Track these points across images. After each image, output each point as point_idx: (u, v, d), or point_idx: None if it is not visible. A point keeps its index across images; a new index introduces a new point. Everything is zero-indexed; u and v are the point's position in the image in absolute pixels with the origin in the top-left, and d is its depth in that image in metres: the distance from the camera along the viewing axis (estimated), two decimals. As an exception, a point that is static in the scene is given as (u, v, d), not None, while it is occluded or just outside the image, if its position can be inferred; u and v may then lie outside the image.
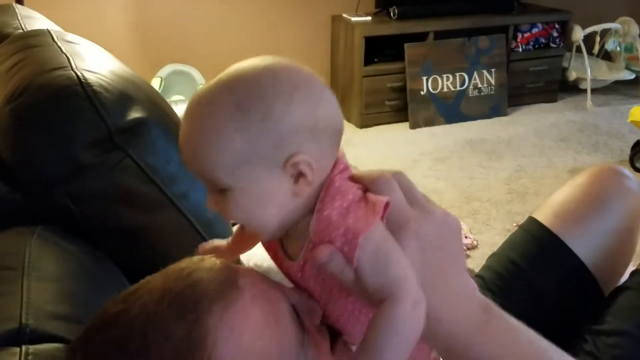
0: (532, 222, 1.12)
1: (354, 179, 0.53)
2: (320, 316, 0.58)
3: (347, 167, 0.55)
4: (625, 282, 1.05)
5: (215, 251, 0.63)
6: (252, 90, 0.50)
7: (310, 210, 0.52)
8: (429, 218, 0.53)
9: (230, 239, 0.66)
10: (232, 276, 0.52)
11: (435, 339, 0.52)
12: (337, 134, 0.54)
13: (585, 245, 1.05)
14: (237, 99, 0.50)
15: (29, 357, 0.56)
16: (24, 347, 0.57)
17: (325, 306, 0.57)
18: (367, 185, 0.52)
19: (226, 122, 0.49)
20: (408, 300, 0.48)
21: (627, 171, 1.11)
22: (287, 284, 0.59)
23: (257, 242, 0.64)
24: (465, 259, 0.56)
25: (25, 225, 0.80)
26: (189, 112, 0.52)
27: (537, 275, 1.07)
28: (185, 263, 0.53)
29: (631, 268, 1.10)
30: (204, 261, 0.54)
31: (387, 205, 0.50)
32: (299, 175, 0.51)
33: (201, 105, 0.51)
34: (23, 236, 0.76)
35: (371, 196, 0.51)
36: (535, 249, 1.09)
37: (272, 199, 0.51)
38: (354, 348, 0.63)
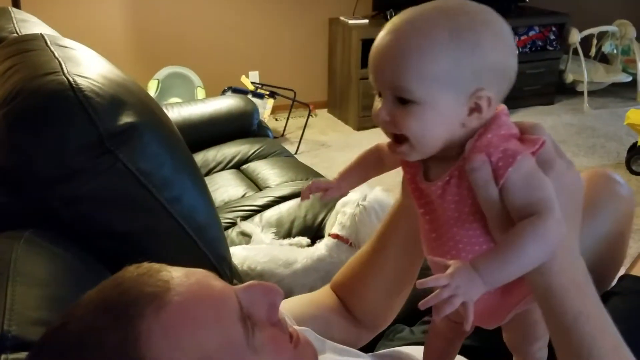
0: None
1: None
2: (277, 310, 0.59)
3: (507, 112, 0.61)
4: (614, 287, 1.05)
5: (324, 188, 0.71)
6: (467, 21, 0.56)
7: (464, 141, 0.58)
8: (571, 169, 0.60)
9: (347, 167, 0.73)
10: (167, 278, 0.52)
11: (545, 272, 0.57)
12: (512, 82, 0.60)
13: None
14: (452, 25, 0.56)
15: None
16: (3, 356, 0.57)
17: (449, 230, 0.62)
18: (524, 128, 0.59)
19: (439, 42, 0.55)
20: (555, 217, 0.54)
21: (618, 176, 1.11)
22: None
23: (374, 174, 0.73)
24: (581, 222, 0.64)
25: (15, 229, 0.80)
26: (399, 25, 0.57)
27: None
28: (121, 272, 0.54)
29: (621, 272, 1.10)
30: (141, 267, 0.54)
31: (543, 143, 0.56)
32: (474, 109, 0.57)
33: (415, 22, 0.57)
34: (11, 241, 0.76)
35: (529, 136, 0.58)
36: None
37: (447, 122, 0.57)
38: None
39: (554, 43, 3.96)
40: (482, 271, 0.55)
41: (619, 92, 4.19)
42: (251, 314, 0.56)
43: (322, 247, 1.50)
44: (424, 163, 0.63)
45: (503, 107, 0.61)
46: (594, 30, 3.89)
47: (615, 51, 4.15)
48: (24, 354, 0.58)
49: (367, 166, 0.73)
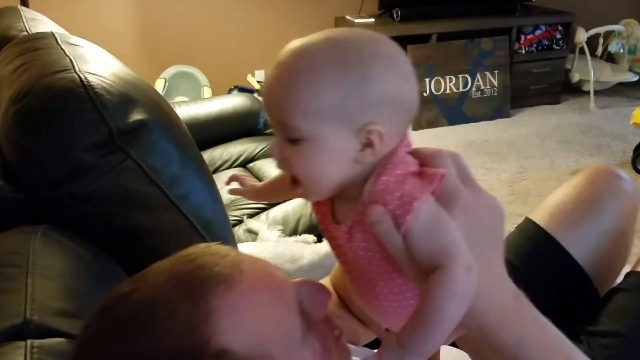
0: (528, 222, 1.13)
1: (413, 153, 0.56)
2: (325, 307, 0.59)
3: (410, 143, 0.57)
4: (620, 283, 1.06)
5: (245, 186, 0.72)
6: (355, 52, 0.53)
7: (364, 179, 0.55)
8: (480, 198, 0.56)
9: (265, 182, 0.72)
10: (237, 261, 0.53)
11: (472, 314, 0.54)
12: (412, 115, 0.57)
13: (580, 246, 1.06)
14: (339, 57, 0.53)
15: (34, 351, 0.58)
16: (28, 342, 0.59)
17: (363, 276, 0.59)
18: (424, 159, 0.55)
19: (324, 75, 0.52)
20: (462, 265, 0.51)
21: (623, 172, 1.11)
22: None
23: (284, 198, 0.71)
24: (504, 245, 0.59)
25: (29, 225, 0.81)
26: (286, 58, 0.55)
27: (533, 275, 1.08)
28: (193, 249, 0.55)
29: (626, 269, 1.11)
30: (210, 247, 0.55)
31: (442, 176, 0.53)
32: (367, 144, 0.54)
33: (301, 54, 0.54)
34: (27, 235, 0.78)
35: (428, 169, 0.54)
36: (530, 250, 1.10)
37: (338, 160, 0.54)
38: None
39: (560, 42, 3.95)
40: (409, 346, 0.51)
41: (626, 91, 4.18)
42: (307, 309, 0.56)
43: None
44: (332, 203, 0.60)
45: (406, 138, 0.57)
46: (601, 30, 3.88)
47: (621, 50, 4.13)
48: (46, 341, 0.60)
49: (279, 190, 0.69)
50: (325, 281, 0.92)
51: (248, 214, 1.75)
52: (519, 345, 0.55)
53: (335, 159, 0.54)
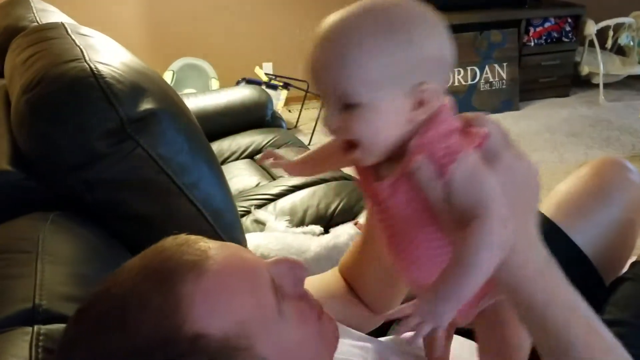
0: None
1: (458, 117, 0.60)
2: (303, 284, 0.61)
3: (451, 104, 0.60)
4: (626, 272, 1.06)
5: (281, 160, 0.76)
6: (396, 17, 0.56)
7: (409, 138, 0.58)
8: (521, 160, 0.59)
9: (304, 155, 0.74)
10: (205, 248, 0.55)
11: (509, 268, 0.57)
12: (451, 70, 0.62)
13: (586, 236, 1.05)
14: (384, 23, 0.55)
15: (40, 337, 0.59)
16: (36, 327, 0.60)
17: (400, 230, 0.62)
18: (469, 121, 0.59)
19: (374, 42, 0.55)
20: (498, 217, 0.54)
21: (629, 163, 1.11)
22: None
23: (329, 169, 0.77)
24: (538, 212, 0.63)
25: (40, 211, 0.83)
26: (332, 30, 0.56)
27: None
28: (161, 242, 0.57)
29: (632, 259, 1.11)
30: (179, 238, 0.57)
31: (486, 135, 0.57)
32: (420, 103, 0.57)
33: (347, 25, 0.56)
34: (37, 222, 0.79)
35: (472, 129, 0.58)
36: (537, 239, 1.10)
37: (394, 120, 0.57)
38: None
39: (569, 35, 3.93)
40: (442, 294, 0.54)
41: (635, 84, 4.15)
42: (280, 286, 0.58)
43: (343, 233, 1.50)
44: (375, 163, 0.63)
45: (447, 100, 0.60)
46: (610, 22, 3.86)
47: (631, 43, 4.10)
48: (54, 326, 0.61)
49: (325, 159, 0.73)
50: (333, 271, 0.93)
51: (256, 205, 1.75)
52: (547, 305, 0.57)
53: (391, 120, 0.57)
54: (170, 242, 0.56)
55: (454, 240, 0.57)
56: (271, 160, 0.77)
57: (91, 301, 0.53)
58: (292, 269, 0.61)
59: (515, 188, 0.57)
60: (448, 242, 0.59)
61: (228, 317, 0.52)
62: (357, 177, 0.66)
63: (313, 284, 0.89)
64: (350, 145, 0.59)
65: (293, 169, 0.76)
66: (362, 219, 1.51)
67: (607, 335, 0.60)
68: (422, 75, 0.56)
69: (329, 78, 0.56)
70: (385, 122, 0.57)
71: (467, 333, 0.87)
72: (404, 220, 0.61)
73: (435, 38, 0.57)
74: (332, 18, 0.57)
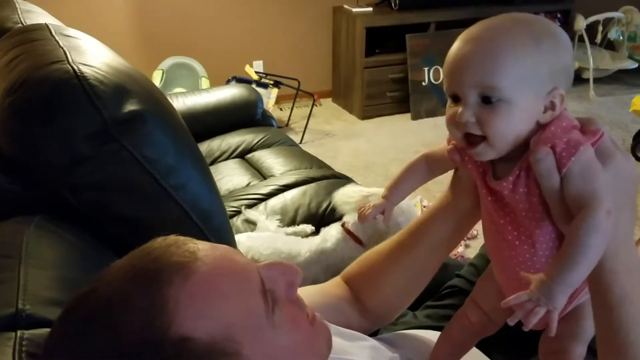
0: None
1: None
2: (295, 288, 0.61)
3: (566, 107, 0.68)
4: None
5: (381, 210, 0.82)
6: (542, 29, 0.64)
7: (527, 140, 0.65)
8: (629, 161, 0.65)
9: (386, 194, 0.82)
10: (194, 250, 0.55)
11: (603, 255, 0.61)
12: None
13: None
14: (531, 32, 0.63)
15: (24, 342, 0.58)
16: (19, 332, 0.59)
17: (522, 228, 0.68)
18: (582, 122, 0.65)
19: (522, 45, 0.62)
20: (604, 208, 0.60)
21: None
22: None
23: (411, 191, 0.83)
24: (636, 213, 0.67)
25: (25, 215, 0.82)
26: (481, 32, 0.64)
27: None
28: (150, 243, 0.56)
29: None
30: (168, 239, 0.56)
31: (602, 134, 0.63)
32: (549, 106, 0.64)
33: (495, 29, 0.64)
34: (21, 225, 0.78)
35: (588, 128, 0.64)
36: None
37: (527, 119, 0.64)
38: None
39: (559, 30, 3.94)
40: (557, 277, 0.60)
41: (626, 78, 4.17)
42: (272, 290, 0.57)
43: (330, 238, 1.49)
44: (492, 163, 0.70)
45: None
46: (600, 17, 3.87)
47: (621, 38, 4.12)
48: (37, 331, 0.60)
49: (416, 176, 0.81)
50: (337, 279, 0.93)
51: (246, 205, 1.75)
52: (622, 300, 0.62)
53: (525, 118, 0.64)
54: (159, 242, 0.56)
55: (566, 230, 0.63)
56: (380, 217, 0.83)
57: (77, 301, 0.52)
58: (285, 273, 0.60)
59: (622, 186, 0.63)
60: (557, 238, 0.66)
61: (215, 320, 0.51)
62: (474, 176, 0.73)
63: (311, 290, 0.89)
64: (471, 141, 0.66)
65: (392, 203, 0.82)
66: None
67: None
68: (556, 82, 0.64)
69: (478, 70, 0.62)
70: (519, 120, 0.63)
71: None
72: (523, 213, 0.67)
73: (568, 51, 0.65)
74: (480, 24, 0.65)
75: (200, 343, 0.49)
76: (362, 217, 0.82)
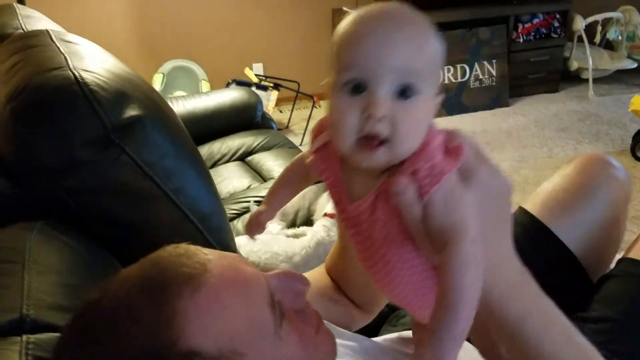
0: (521, 211, 1.14)
1: None
2: (304, 298, 0.60)
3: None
4: (612, 270, 1.06)
5: (260, 216, 0.67)
6: (424, 21, 0.54)
7: None
8: (495, 176, 0.57)
9: (266, 199, 0.69)
10: (203, 261, 0.54)
11: (491, 290, 0.56)
12: None
13: (572, 233, 1.06)
14: (420, 18, 0.54)
15: (30, 346, 0.59)
16: (24, 337, 0.60)
17: (379, 249, 0.59)
18: (445, 136, 0.56)
19: (430, 33, 0.53)
20: (468, 239, 0.52)
21: (614, 160, 1.12)
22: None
23: (298, 191, 0.70)
24: (511, 224, 0.60)
25: (26, 221, 0.83)
26: (392, 11, 0.53)
27: (525, 263, 1.08)
28: (160, 251, 0.56)
29: (619, 256, 1.12)
30: (178, 248, 0.56)
31: (464, 152, 0.54)
32: (439, 101, 0.56)
33: (404, 11, 0.53)
34: (24, 231, 0.79)
35: (451, 145, 0.55)
36: (523, 237, 1.10)
37: (430, 117, 0.55)
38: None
39: (558, 30, 3.95)
40: (443, 332, 0.50)
41: (625, 78, 4.18)
42: (280, 301, 0.57)
43: (319, 229, 1.52)
44: (347, 182, 0.60)
45: None
46: (599, 17, 3.88)
47: (620, 38, 4.13)
48: (42, 335, 0.61)
49: (293, 181, 0.69)
50: (320, 268, 0.93)
51: (247, 208, 1.76)
52: (522, 320, 0.57)
53: (429, 117, 0.54)
54: (169, 252, 0.55)
55: (431, 262, 0.56)
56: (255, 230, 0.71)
57: (84, 309, 0.52)
58: (294, 283, 0.60)
59: (489, 203, 0.56)
60: (424, 264, 0.57)
61: (223, 334, 0.51)
62: (331, 195, 0.62)
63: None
64: (378, 142, 0.52)
65: (273, 209, 0.69)
66: (328, 208, 1.54)
67: (584, 343, 0.60)
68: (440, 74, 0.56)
69: (402, 51, 0.51)
70: (425, 118, 0.54)
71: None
72: (381, 240, 0.58)
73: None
74: (379, 6, 0.53)
75: (208, 357, 0.49)
76: (248, 231, 0.69)
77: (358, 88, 0.52)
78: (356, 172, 0.57)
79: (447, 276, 0.51)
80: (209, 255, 0.56)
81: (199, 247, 0.57)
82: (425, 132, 0.54)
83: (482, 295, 0.54)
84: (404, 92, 0.51)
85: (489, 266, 0.54)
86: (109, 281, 0.54)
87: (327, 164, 0.61)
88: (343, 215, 0.61)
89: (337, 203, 0.61)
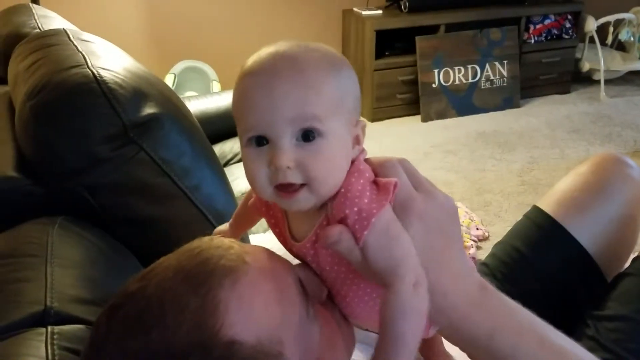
0: (536, 210, 1.14)
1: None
2: (325, 290, 0.62)
3: (364, 148, 0.58)
4: (627, 268, 1.07)
5: (221, 234, 0.69)
6: (334, 57, 0.56)
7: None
8: (433, 201, 0.57)
9: (231, 221, 0.71)
10: (240, 253, 0.56)
11: (441, 312, 0.56)
12: None
13: (587, 233, 1.06)
14: (327, 59, 0.54)
15: (55, 337, 0.60)
16: (49, 328, 0.61)
17: (333, 286, 0.61)
18: (375, 168, 0.56)
19: (328, 73, 0.53)
20: (408, 284, 0.51)
21: (629, 159, 1.12)
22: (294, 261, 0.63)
23: (256, 222, 0.70)
24: (462, 239, 0.60)
25: (48, 216, 0.84)
26: (281, 57, 0.53)
27: (541, 262, 1.09)
28: (197, 243, 0.57)
29: (634, 255, 1.12)
30: (214, 240, 0.57)
31: (395, 186, 0.53)
32: (356, 139, 0.56)
33: (295, 54, 0.53)
34: (45, 226, 0.80)
35: (380, 179, 0.54)
36: (538, 237, 1.11)
37: (346, 155, 0.54)
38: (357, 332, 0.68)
39: (569, 31, 3.93)
40: None
41: (636, 80, 4.15)
42: (307, 289, 0.59)
43: None
44: (287, 221, 0.60)
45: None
46: (611, 18, 3.86)
47: (632, 39, 4.10)
48: (65, 327, 0.62)
49: (246, 218, 0.70)
50: None
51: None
52: (491, 335, 0.56)
53: (344, 155, 0.54)
54: (207, 243, 0.56)
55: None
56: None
57: (125, 299, 0.52)
58: (314, 275, 0.61)
59: (432, 231, 0.55)
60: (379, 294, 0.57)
61: (262, 323, 0.52)
62: (275, 235, 0.63)
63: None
64: (294, 188, 0.53)
65: (234, 235, 0.71)
66: None
67: (561, 341, 0.59)
68: (358, 112, 0.57)
69: (294, 101, 0.51)
70: (341, 156, 0.54)
71: None
72: (333, 279, 0.59)
73: (357, 82, 0.57)
74: (266, 55, 0.54)
75: (247, 346, 0.50)
76: None
77: (261, 141, 0.53)
78: (295, 213, 0.58)
79: (386, 323, 0.51)
80: (245, 247, 0.57)
81: (232, 240, 0.58)
82: (345, 167, 0.54)
83: (445, 318, 0.56)
84: (307, 137, 0.51)
85: (444, 290, 0.55)
86: (147, 271, 0.54)
87: (268, 206, 0.62)
88: (292, 254, 0.62)
89: (283, 243, 0.62)
